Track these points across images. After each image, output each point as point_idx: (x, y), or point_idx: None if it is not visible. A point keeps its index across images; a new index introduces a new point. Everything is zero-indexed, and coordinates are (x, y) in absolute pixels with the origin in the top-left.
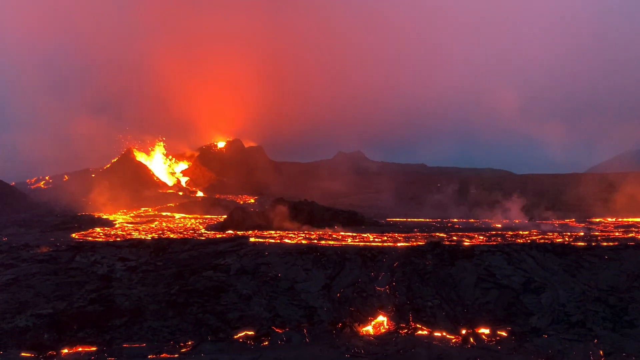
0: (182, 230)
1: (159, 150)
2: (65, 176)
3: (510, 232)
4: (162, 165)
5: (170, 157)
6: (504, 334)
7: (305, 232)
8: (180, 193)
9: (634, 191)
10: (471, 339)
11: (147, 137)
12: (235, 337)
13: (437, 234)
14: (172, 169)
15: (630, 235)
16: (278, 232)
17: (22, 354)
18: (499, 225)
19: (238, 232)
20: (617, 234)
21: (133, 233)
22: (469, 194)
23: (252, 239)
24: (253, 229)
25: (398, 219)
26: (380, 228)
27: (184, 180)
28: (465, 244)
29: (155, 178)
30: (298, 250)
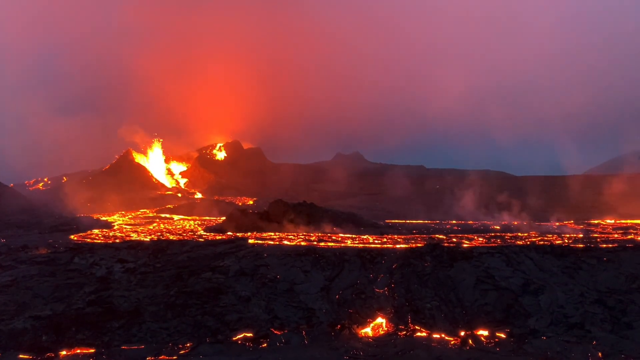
0: (180, 231)
1: (157, 151)
2: (64, 178)
3: (509, 234)
4: (161, 167)
5: (169, 158)
6: (502, 335)
7: (305, 233)
8: (179, 195)
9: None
10: (470, 341)
11: (146, 139)
12: (234, 338)
13: (437, 235)
14: (171, 171)
15: (629, 237)
16: (277, 233)
17: (21, 356)
18: (498, 227)
19: (237, 234)
20: (615, 235)
21: (132, 235)
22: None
23: (251, 241)
24: (252, 231)
25: (397, 221)
26: (379, 230)
27: (182, 181)
28: (465, 245)
29: (154, 180)
30: (297, 252)
